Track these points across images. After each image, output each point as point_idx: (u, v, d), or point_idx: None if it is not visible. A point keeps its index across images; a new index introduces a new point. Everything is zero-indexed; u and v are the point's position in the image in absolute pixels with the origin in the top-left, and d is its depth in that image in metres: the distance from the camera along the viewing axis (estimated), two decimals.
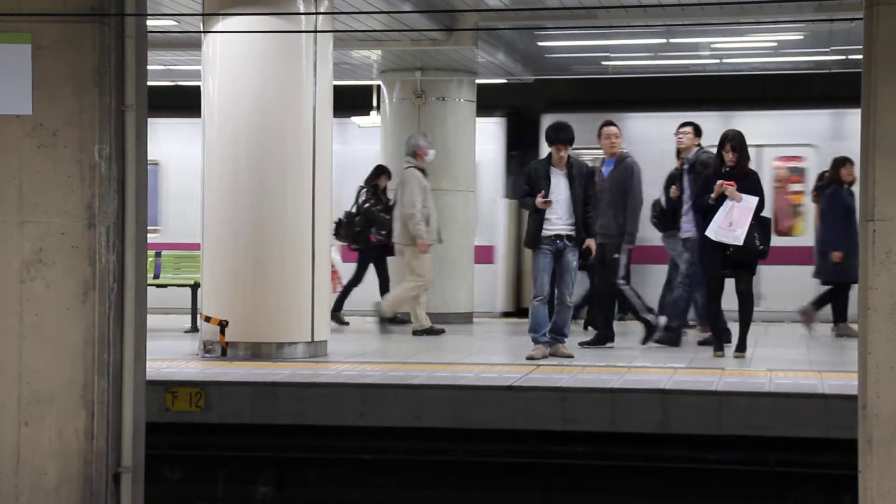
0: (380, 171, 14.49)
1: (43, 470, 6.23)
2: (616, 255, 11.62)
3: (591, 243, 10.95)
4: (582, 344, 11.66)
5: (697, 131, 11.94)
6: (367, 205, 14.04)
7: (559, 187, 10.72)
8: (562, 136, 10.73)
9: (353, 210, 14.14)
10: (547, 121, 13.69)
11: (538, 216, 10.69)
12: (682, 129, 11.92)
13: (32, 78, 6.21)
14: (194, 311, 13.39)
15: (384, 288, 14.20)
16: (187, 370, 9.97)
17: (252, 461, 9.27)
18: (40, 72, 6.22)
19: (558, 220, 10.71)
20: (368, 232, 14.01)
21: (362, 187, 14.30)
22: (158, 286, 13.80)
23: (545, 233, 10.70)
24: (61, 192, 6.23)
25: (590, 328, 12.78)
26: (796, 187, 16.42)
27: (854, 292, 12.68)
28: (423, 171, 13.09)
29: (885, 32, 5.73)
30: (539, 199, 10.57)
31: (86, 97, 6.23)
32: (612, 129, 11.93)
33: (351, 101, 16.08)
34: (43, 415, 6.24)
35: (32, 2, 6.18)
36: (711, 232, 10.65)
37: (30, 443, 6.24)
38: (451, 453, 9.00)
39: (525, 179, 10.94)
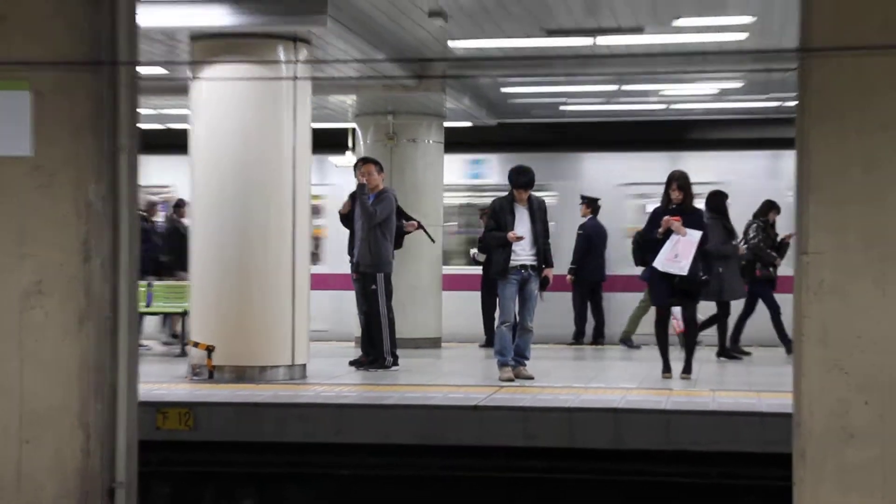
0: (770, 206, 13.63)
1: (42, 485, 6.18)
2: (374, 287, 11.57)
3: (548, 273, 10.98)
4: (353, 363, 11.90)
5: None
6: (755, 240, 13.19)
7: (523, 222, 10.78)
8: (522, 180, 10.79)
9: (743, 243, 13.25)
10: None
11: (506, 249, 10.72)
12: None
13: (31, 122, 6.19)
14: (183, 337, 13.34)
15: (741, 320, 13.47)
16: (177, 392, 9.92)
17: (237, 476, 9.24)
18: (39, 116, 6.20)
19: (523, 251, 10.75)
20: (754, 266, 13.20)
21: (752, 222, 13.46)
22: (150, 314, 13.76)
23: (512, 263, 10.73)
24: (59, 228, 6.21)
25: None
26: None
27: None
28: None
29: (817, 82, 5.79)
30: (511, 235, 10.62)
31: (81, 140, 6.22)
32: (369, 166, 11.80)
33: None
34: (42, 434, 6.20)
35: (28, 51, 6.17)
36: (659, 263, 10.72)
37: (30, 460, 6.19)
38: (421, 468, 8.99)
39: (491, 214, 10.97)
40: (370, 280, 11.63)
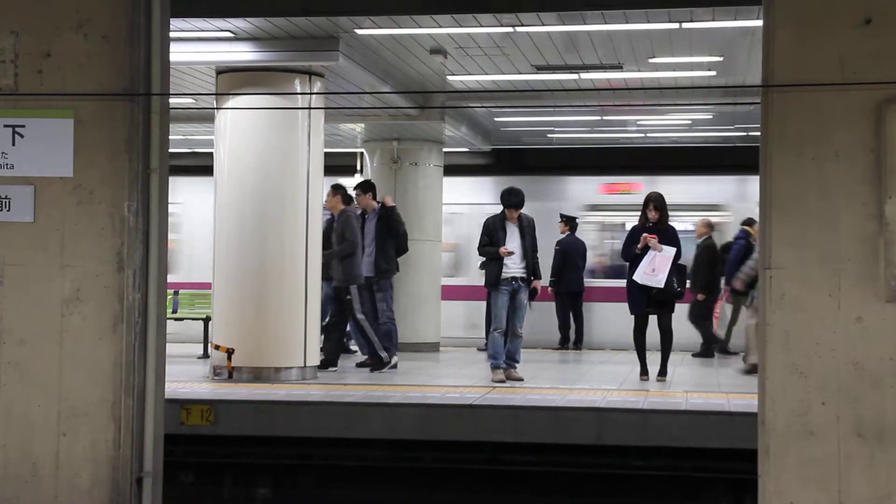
0: None
1: (78, 474, 6.19)
2: (348, 297, 11.59)
3: (536, 284, 11.00)
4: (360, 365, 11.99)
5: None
6: None
7: (513, 238, 10.78)
8: (513, 200, 10.80)
9: None
10: None
11: (498, 262, 10.73)
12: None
13: (74, 146, 6.23)
14: (206, 340, 13.34)
15: None
16: (199, 390, 9.92)
17: (254, 467, 9.23)
18: (80, 141, 6.24)
19: (513, 264, 10.74)
20: None
21: None
22: (176, 320, 13.75)
23: (503, 275, 10.73)
24: (96, 241, 6.24)
25: None
26: None
27: None
28: None
29: (777, 113, 5.83)
30: (503, 250, 10.63)
31: (118, 162, 6.25)
32: (330, 191, 11.96)
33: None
34: (79, 427, 6.21)
35: (75, 84, 6.22)
36: (638, 277, 10.73)
37: (67, 451, 6.21)
38: (421, 461, 8.98)
39: (484, 231, 10.96)
40: (343, 293, 11.64)
